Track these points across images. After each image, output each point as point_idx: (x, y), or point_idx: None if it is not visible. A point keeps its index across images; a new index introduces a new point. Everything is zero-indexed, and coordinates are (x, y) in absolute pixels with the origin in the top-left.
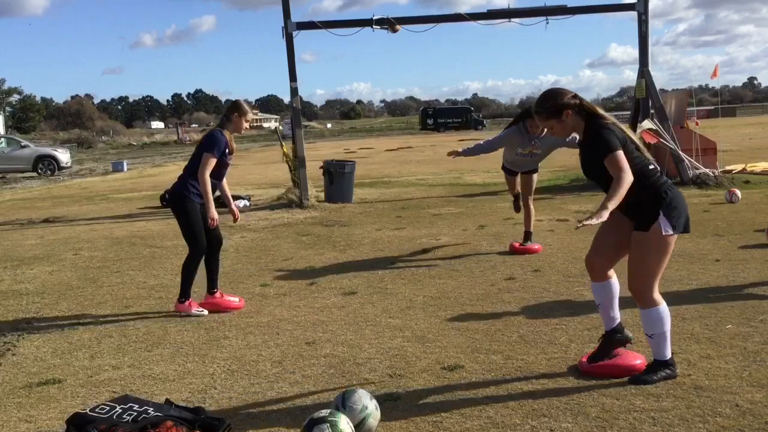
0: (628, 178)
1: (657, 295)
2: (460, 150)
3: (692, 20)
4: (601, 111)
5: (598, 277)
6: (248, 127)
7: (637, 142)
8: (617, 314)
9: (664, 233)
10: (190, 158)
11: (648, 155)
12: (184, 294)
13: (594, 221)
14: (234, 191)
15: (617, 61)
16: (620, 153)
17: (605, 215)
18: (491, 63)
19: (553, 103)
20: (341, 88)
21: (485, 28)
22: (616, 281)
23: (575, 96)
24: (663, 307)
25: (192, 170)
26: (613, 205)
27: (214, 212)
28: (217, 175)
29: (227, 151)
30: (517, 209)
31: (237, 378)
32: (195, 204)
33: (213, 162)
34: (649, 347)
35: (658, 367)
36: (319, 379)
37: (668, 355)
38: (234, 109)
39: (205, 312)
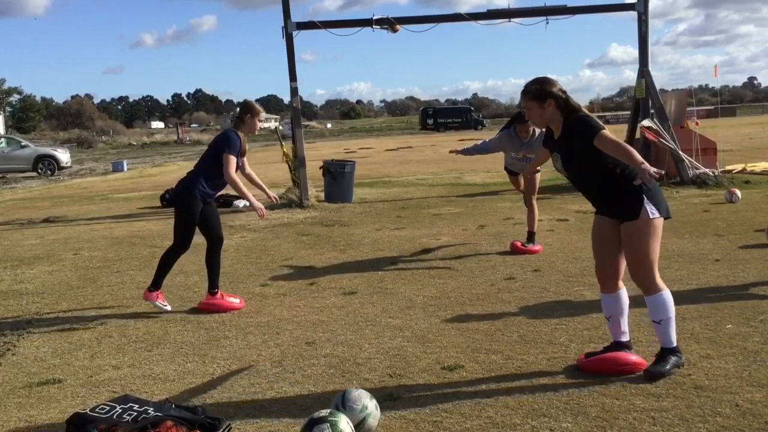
0: (624, 143)
1: (659, 281)
2: (460, 149)
3: (692, 20)
4: (584, 110)
5: (609, 287)
6: (261, 126)
7: None
8: (627, 329)
9: (651, 217)
10: (202, 158)
11: None
12: (156, 284)
13: (649, 176)
14: (234, 191)
15: (617, 61)
16: (607, 131)
17: (649, 167)
18: (492, 63)
19: (540, 88)
20: (341, 88)
21: (486, 28)
22: (625, 293)
23: (563, 91)
24: (666, 292)
25: (204, 170)
26: (639, 159)
27: (257, 203)
28: None
29: (240, 152)
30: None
31: (237, 378)
32: (199, 204)
33: (234, 161)
34: (648, 349)
35: (667, 354)
36: (319, 379)
37: (675, 342)
38: (247, 110)
39: (168, 308)
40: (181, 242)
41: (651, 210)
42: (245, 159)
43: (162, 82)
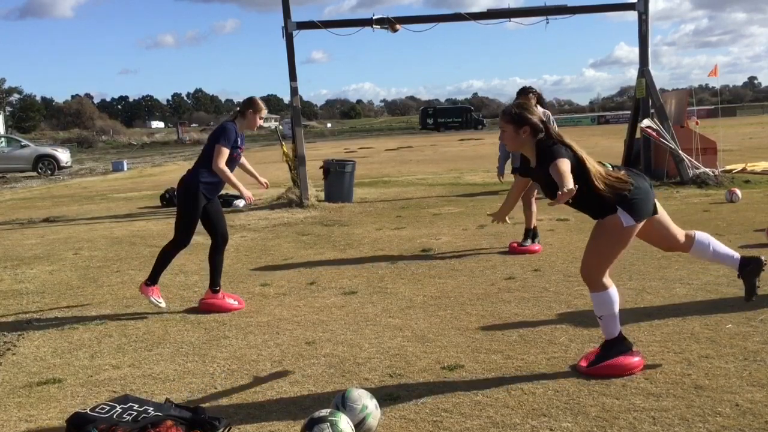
0: (568, 176)
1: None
2: (499, 174)
3: (697, 21)
4: (566, 141)
5: (596, 286)
6: (261, 123)
7: (595, 165)
8: (618, 324)
9: (625, 225)
10: (202, 150)
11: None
12: (153, 278)
13: (562, 200)
14: (233, 191)
15: (623, 60)
16: (565, 161)
17: (565, 192)
18: (497, 62)
19: (520, 113)
20: (346, 87)
21: (492, 28)
22: (615, 290)
23: (543, 121)
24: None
25: (204, 161)
26: (568, 184)
27: (246, 191)
28: (228, 168)
29: (239, 141)
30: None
31: (237, 378)
32: (201, 201)
33: (226, 152)
34: (648, 349)
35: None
36: (319, 379)
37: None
38: (249, 105)
39: (163, 304)
40: (181, 238)
41: (626, 219)
42: (241, 153)
43: (162, 81)
